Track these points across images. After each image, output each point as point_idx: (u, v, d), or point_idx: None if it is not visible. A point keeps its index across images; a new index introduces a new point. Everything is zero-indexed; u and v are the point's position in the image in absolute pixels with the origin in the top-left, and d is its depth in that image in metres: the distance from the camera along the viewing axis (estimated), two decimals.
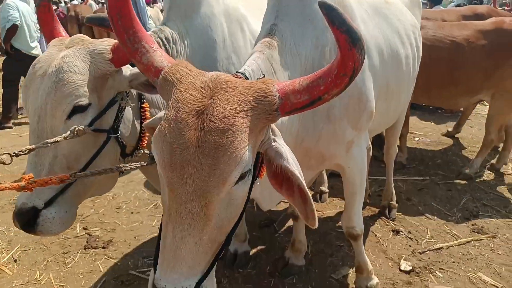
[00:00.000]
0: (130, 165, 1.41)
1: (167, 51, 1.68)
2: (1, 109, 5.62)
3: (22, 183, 1.16)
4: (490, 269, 2.44)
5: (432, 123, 5.41)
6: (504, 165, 3.92)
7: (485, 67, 3.41)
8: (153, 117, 1.29)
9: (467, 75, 3.45)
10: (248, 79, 1.19)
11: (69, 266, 2.53)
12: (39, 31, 5.44)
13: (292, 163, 1.08)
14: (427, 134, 5.00)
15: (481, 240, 2.76)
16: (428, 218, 3.06)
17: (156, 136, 1.00)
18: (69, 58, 1.36)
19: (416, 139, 4.84)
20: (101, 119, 1.45)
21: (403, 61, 2.14)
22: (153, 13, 7.47)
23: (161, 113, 1.24)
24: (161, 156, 0.98)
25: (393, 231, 2.89)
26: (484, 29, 3.49)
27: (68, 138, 1.31)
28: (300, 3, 1.52)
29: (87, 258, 2.60)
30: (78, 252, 2.65)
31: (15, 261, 2.60)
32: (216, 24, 1.99)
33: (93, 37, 8.29)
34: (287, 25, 1.47)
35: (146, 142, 1.64)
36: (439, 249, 2.66)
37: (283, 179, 1.10)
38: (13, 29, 4.98)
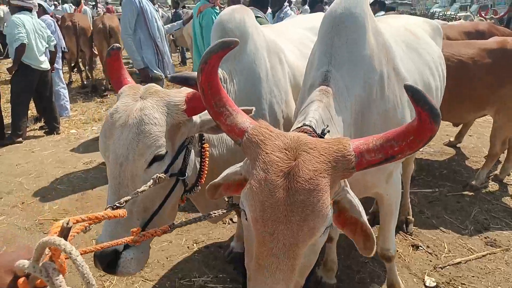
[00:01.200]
0: (215, 212, 1.52)
1: None
2: (10, 123, 5.59)
3: (134, 237, 1.23)
4: (508, 284, 2.61)
5: None
6: (507, 176, 4.13)
7: (489, 84, 3.59)
8: (225, 174, 1.35)
9: (473, 92, 3.62)
10: (315, 130, 1.30)
11: None
12: (46, 43, 5.42)
13: (364, 215, 1.18)
14: (430, 144, 5.19)
15: (495, 253, 2.94)
16: (443, 231, 3.24)
17: (248, 194, 1.09)
18: (149, 110, 1.44)
19: (421, 149, 5.02)
20: (174, 164, 1.54)
21: (433, 93, 2.29)
22: None
23: (230, 169, 1.31)
24: (254, 213, 1.07)
25: (412, 245, 3.05)
26: (489, 48, 3.67)
27: (152, 186, 1.41)
28: (350, 50, 1.63)
29: (124, 281, 2.67)
30: (115, 276, 2.72)
31: None
32: (260, 59, 2.10)
33: (91, 46, 8.16)
34: (339, 70, 1.57)
35: (204, 179, 1.74)
36: (458, 263, 2.83)
37: (348, 222, 1.21)
38: (22, 49, 4.95)
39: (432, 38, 2.69)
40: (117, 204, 1.31)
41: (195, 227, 3.28)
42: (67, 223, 0.85)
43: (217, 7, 4.22)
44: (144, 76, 4.28)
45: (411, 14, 22.21)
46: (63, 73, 6.92)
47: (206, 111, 1.51)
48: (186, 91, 1.55)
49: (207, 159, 1.74)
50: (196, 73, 1.26)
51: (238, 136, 1.18)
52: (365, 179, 1.84)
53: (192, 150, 1.67)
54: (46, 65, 5.37)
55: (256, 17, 3.82)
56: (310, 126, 1.30)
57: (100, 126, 6.16)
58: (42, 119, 6.00)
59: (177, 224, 1.42)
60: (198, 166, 1.73)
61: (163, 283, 2.66)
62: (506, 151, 4.13)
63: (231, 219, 3.44)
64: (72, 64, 8.74)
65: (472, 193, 3.84)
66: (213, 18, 4.01)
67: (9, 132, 5.39)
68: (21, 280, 0.82)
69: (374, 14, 4.43)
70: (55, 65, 6.20)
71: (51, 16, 7.04)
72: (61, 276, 0.82)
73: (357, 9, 1.66)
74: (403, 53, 2.09)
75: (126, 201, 1.33)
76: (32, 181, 4.24)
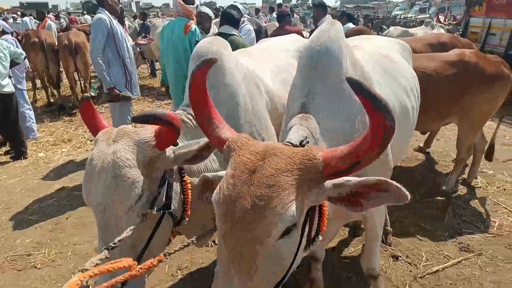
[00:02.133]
0: (201, 236, 1.60)
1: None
2: None
3: (133, 272, 1.22)
4: None
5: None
6: (474, 179, 4.35)
7: (451, 95, 3.78)
8: (214, 173, 1.45)
9: (437, 102, 3.78)
10: (293, 145, 1.33)
11: None
12: (8, 66, 5.20)
13: (353, 178, 1.15)
14: None
15: (469, 258, 3.08)
16: (420, 239, 3.36)
17: (216, 191, 1.15)
18: (120, 153, 1.48)
19: None
20: (157, 199, 1.58)
21: (410, 113, 2.40)
22: None
23: (220, 172, 1.42)
24: (218, 208, 1.11)
25: (392, 256, 3.15)
26: (450, 61, 3.88)
27: (141, 223, 1.46)
28: (326, 83, 1.70)
29: None
30: None
31: None
32: (238, 91, 2.15)
33: (58, 63, 7.96)
34: (317, 102, 1.65)
35: (189, 212, 1.79)
36: (436, 272, 2.94)
37: (356, 198, 1.16)
38: None
39: (404, 58, 2.80)
40: (112, 245, 1.34)
41: (178, 253, 3.22)
42: (87, 282, 0.95)
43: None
44: (113, 96, 4.20)
45: (374, 17, 22.92)
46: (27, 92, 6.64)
47: (179, 145, 1.61)
48: (152, 128, 1.59)
49: (190, 191, 1.77)
50: (155, 112, 1.43)
51: (220, 145, 1.27)
52: None
53: (177, 184, 1.71)
54: (9, 88, 5.15)
55: (231, 35, 3.86)
56: (289, 143, 1.36)
57: (70, 148, 5.99)
58: (7, 144, 5.73)
59: (171, 251, 1.47)
60: (182, 200, 1.76)
61: None
62: (471, 156, 4.35)
63: (213, 241, 3.41)
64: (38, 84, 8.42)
65: (443, 198, 4.01)
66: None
67: None
68: None
69: (343, 25, 4.52)
70: (19, 85, 5.95)
71: (12, 34, 6.76)
72: None
73: (332, 45, 1.74)
74: (380, 78, 2.18)
75: (119, 240, 1.36)
76: (0, 213, 4.04)
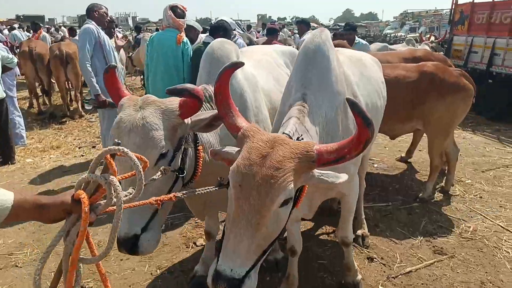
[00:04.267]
0: (204, 189, 1.69)
1: (211, 106, 2.16)
2: None
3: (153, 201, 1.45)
4: None
5: (387, 149, 5.98)
6: (451, 186, 4.48)
7: (410, 101, 3.99)
8: (225, 149, 1.65)
9: (398, 107, 3.94)
10: (291, 138, 1.63)
11: None
12: None
13: (332, 178, 1.51)
14: (384, 160, 5.53)
15: (442, 260, 3.18)
16: (396, 243, 3.45)
17: (234, 168, 1.46)
18: (150, 118, 1.74)
19: (375, 165, 5.33)
20: (174, 161, 1.84)
21: (380, 111, 2.74)
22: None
23: (229, 148, 1.65)
24: (236, 181, 1.42)
25: (368, 258, 3.23)
26: (410, 70, 4.10)
27: (161, 176, 1.65)
28: (320, 77, 2.03)
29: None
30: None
31: None
32: (246, 90, 2.47)
33: (49, 72, 8.03)
34: (313, 94, 1.96)
35: (198, 175, 2.05)
36: (409, 272, 3.03)
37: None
38: None
39: (375, 64, 3.12)
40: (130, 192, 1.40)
41: (158, 253, 3.28)
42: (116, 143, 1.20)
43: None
44: (99, 102, 4.31)
45: (366, 35, 23.52)
46: (18, 100, 6.72)
47: (196, 113, 1.85)
48: (177, 99, 1.83)
49: (201, 159, 2.03)
50: (187, 85, 1.76)
51: (236, 131, 1.59)
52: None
53: (190, 150, 1.96)
54: (0, 94, 5.23)
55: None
56: (287, 135, 1.65)
57: (59, 154, 6.04)
58: None
59: (184, 192, 1.62)
60: (193, 165, 2.01)
61: None
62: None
63: (194, 243, 3.47)
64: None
65: (421, 205, 4.12)
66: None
67: None
68: (79, 191, 1.16)
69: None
70: (9, 92, 6.02)
71: (5, 44, 6.89)
72: (115, 178, 1.15)
73: (325, 46, 2.11)
74: (358, 80, 2.53)
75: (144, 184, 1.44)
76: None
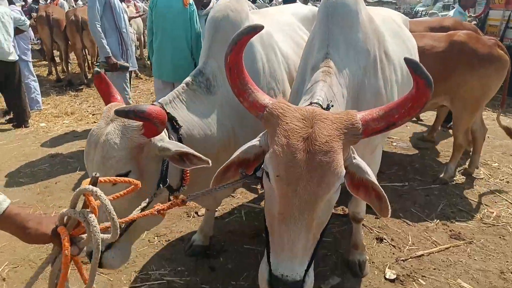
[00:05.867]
0: (224, 185, 1.54)
1: (211, 85, 1.99)
2: None
3: (158, 207, 1.40)
4: (468, 275, 2.60)
5: (408, 127, 5.64)
6: (476, 169, 4.15)
7: (439, 73, 3.58)
8: (240, 151, 1.43)
9: None
10: (321, 106, 1.45)
11: None
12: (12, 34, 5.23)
13: (372, 175, 1.33)
14: (404, 138, 5.21)
15: (458, 246, 2.94)
16: (409, 224, 3.22)
17: (272, 157, 1.25)
18: (111, 135, 1.59)
19: (394, 143, 5.03)
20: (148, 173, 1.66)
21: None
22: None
23: (246, 145, 1.43)
24: (277, 173, 1.23)
25: (377, 238, 3.03)
26: (438, 40, 3.75)
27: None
28: (345, 34, 1.80)
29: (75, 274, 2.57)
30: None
31: (4, 279, 2.54)
32: (255, 54, 2.19)
33: (65, 38, 7.97)
34: (337, 52, 1.74)
35: (188, 180, 1.87)
36: (420, 256, 2.81)
37: (360, 185, 1.36)
38: None
39: (406, 28, 2.88)
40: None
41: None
42: (95, 174, 1.15)
43: None
44: (111, 65, 4.17)
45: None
46: (33, 65, 6.71)
47: (158, 134, 1.62)
48: None
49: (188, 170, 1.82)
50: (142, 106, 1.50)
51: (259, 110, 1.35)
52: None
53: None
54: (13, 57, 5.19)
55: None
56: (317, 103, 1.46)
57: (72, 120, 6.02)
58: (11, 113, 5.80)
59: (193, 195, 1.53)
60: (179, 171, 1.81)
61: (118, 276, 2.57)
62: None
63: (196, 213, 3.36)
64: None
65: (441, 187, 3.85)
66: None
67: None
68: (61, 227, 1.14)
69: None
70: (24, 57, 6.00)
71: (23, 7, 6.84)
72: (93, 215, 1.12)
73: None
74: (391, 39, 2.29)
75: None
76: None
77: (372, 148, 2.14)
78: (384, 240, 3.00)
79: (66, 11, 8.51)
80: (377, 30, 2.05)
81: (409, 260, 2.77)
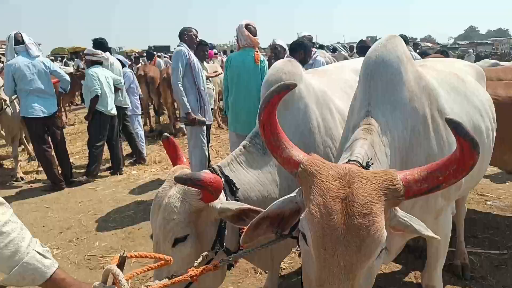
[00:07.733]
0: (258, 247, 1.60)
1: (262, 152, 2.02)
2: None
3: (191, 273, 1.43)
4: None
5: (507, 184, 4.97)
6: None
7: None
8: (276, 204, 1.42)
9: None
10: (361, 164, 1.39)
11: None
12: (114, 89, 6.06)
13: (423, 228, 1.26)
14: (501, 197, 4.59)
15: None
16: None
17: (308, 218, 1.20)
18: (172, 199, 1.67)
19: (489, 202, 4.45)
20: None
21: (484, 134, 2.29)
22: (212, 68, 7.96)
23: (282, 199, 1.41)
24: (314, 235, 1.17)
25: None
26: None
27: (200, 263, 1.57)
28: (387, 93, 1.74)
29: None
30: None
31: None
32: (310, 114, 2.22)
33: (159, 94, 8.85)
34: (379, 110, 1.68)
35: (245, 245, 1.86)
36: None
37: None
38: (96, 99, 5.62)
39: (477, 81, 2.62)
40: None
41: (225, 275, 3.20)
42: (123, 253, 1.23)
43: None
44: (190, 120, 4.53)
45: (491, 53, 20.64)
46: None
47: (215, 199, 1.66)
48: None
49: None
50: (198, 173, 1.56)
51: (294, 167, 1.31)
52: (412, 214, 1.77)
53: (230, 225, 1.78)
54: (114, 111, 5.97)
55: None
56: (356, 161, 1.40)
57: (159, 168, 6.56)
58: (111, 161, 6.56)
59: (225, 259, 1.57)
60: (237, 233, 1.84)
61: None
62: None
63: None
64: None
65: None
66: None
67: (83, 171, 6.03)
68: None
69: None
70: (137, 110, 6.99)
71: (131, 67, 7.93)
72: None
73: (390, 56, 1.79)
74: (448, 95, 2.13)
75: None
76: (89, 218, 4.59)
77: (434, 212, 1.95)
78: None
79: (161, 70, 9.67)
80: (428, 87, 1.92)
81: None
